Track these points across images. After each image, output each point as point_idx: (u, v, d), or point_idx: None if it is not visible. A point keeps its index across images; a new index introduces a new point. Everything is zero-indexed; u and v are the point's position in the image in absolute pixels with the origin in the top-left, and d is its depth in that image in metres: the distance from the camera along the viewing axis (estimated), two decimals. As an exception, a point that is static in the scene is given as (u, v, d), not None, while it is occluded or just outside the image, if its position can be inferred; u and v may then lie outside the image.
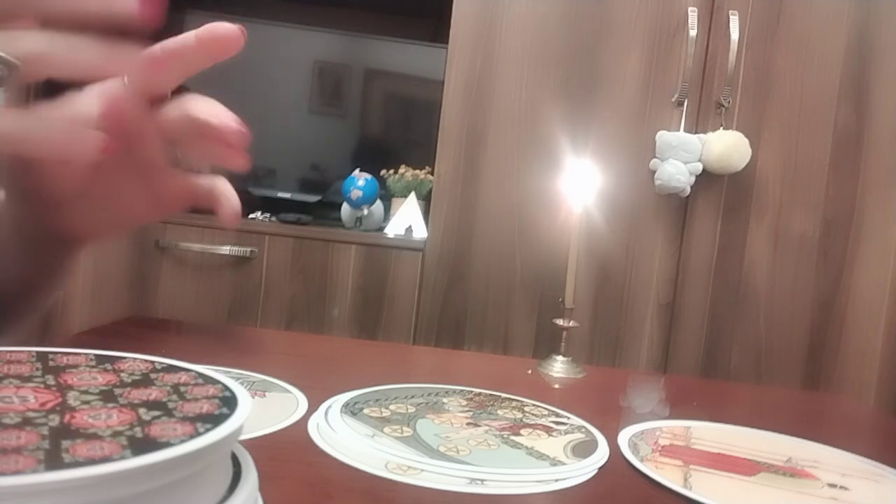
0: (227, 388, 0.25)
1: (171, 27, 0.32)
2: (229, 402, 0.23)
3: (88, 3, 0.33)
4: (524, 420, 0.45)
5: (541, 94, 1.25)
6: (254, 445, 0.26)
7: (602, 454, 0.40)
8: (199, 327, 0.75)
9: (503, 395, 0.51)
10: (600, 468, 0.38)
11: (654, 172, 1.23)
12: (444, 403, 0.47)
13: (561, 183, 1.20)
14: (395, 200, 1.48)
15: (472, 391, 0.51)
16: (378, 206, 1.46)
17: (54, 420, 0.20)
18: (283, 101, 1.66)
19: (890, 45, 1.23)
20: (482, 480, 0.35)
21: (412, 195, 1.44)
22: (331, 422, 0.41)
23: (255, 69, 1.65)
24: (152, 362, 0.27)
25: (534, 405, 0.49)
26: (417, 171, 1.48)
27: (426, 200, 1.40)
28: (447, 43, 1.26)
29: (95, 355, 0.28)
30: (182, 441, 0.19)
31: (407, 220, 1.41)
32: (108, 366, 0.26)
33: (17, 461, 0.17)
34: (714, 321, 1.27)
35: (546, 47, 1.25)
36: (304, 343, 0.75)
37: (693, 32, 1.20)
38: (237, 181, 0.39)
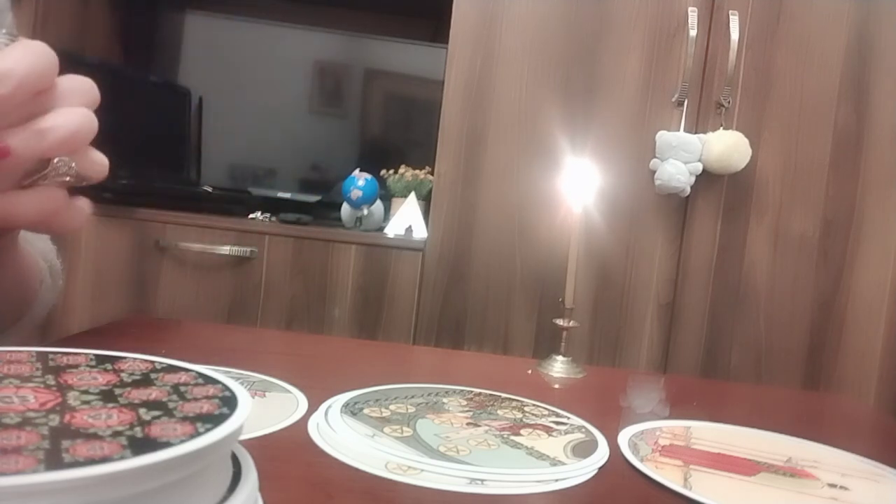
0: (227, 388, 0.25)
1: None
2: (229, 402, 0.23)
3: None
4: (524, 420, 0.45)
5: (541, 94, 1.25)
6: (254, 445, 0.26)
7: (602, 454, 0.40)
8: (199, 327, 0.75)
9: (503, 395, 0.51)
10: (600, 468, 0.38)
11: (654, 172, 1.23)
12: (444, 403, 0.47)
13: (561, 183, 1.20)
14: (395, 200, 1.48)
15: (472, 391, 0.51)
16: (378, 206, 1.46)
17: (54, 420, 0.20)
18: (283, 101, 1.66)
19: (890, 45, 1.23)
20: (482, 480, 0.35)
21: (412, 195, 1.44)
22: (331, 422, 0.41)
23: (255, 69, 1.65)
24: (152, 362, 0.27)
25: (534, 405, 0.49)
26: (417, 171, 1.48)
27: (426, 200, 1.40)
28: (447, 43, 1.26)
29: (95, 355, 0.28)
30: (182, 441, 0.19)
31: (407, 220, 1.41)
32: (108, 366, 0.26)
33: (17, 461, 0.17)
34: (714, 321, 1.27)
35: (546, 47, 1.25)
36: (304, 343, 0.75)
37: (693, 32, 1.20)
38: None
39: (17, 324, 0.55)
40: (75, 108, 0.34)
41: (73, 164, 0.35)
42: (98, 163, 0.36)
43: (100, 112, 0.36)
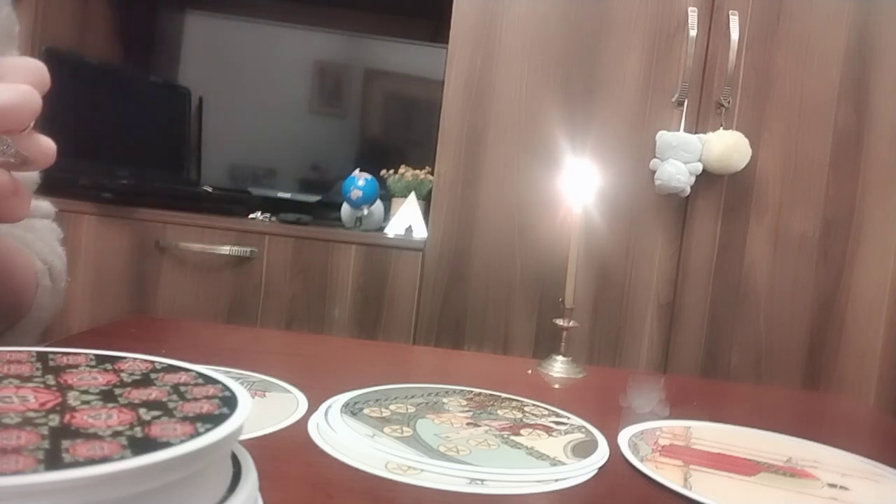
0: (227, 388, 0.25)
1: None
2: (229, 402, 0.23)
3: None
4: (524, 420, 0.45)
5: (541, 94, 1.25)
6: (254, 445, 0.26)
7: (602, 454, 0.40)
8: (199, 327, 0.75)
9: (503, 395, 0.51)
10: (600, 468, 0.38)
11: (654, 172, 1.23)
12: (444, 403, 0.47)
13: (561, 183, 1.20)
14: (395, 200, 1.48)
15: (472, 391, 0.51)
16: (378, 206, 1.46)
17: (54, 420, 0.20)
18: (283, 101, 1.66)
19: (890, 45, 1.23)
20: (482, 480, 0.35)
21: (412, 195, 1.44)
22: (331, 422, 0.41)
23: (255, 69, 1.65)
24: (152, 362, 0.27)
25: (534, 405, 0.49)
26: (417, 171, 1.48)
27: (426, 200, 1.40)
28: (447, 43, 1.26)
29: (95, 355, 0.28)
30: (182, 441, 0.19)
31: (407, 220, 1.41)
32: (108, 366, 0.26)
33: (17, 461, 0.17)
34: (714, 321, 1.27)
35: (546, 47, 1.25)
36: (304, 343, 0.75)
37: (693, 32, 1.20)
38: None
39: (14, 328, 0.54)
40: (15, 83, 0.31)
41: (11, 143, 0.32)
42: (44, 146, 0.33)
43: (48, 98, 0.33)
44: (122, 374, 0.25)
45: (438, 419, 0.43)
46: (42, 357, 0.27)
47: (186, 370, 0.27)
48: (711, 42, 1.24)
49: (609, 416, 0.49)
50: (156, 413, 0.21)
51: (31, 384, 0.23)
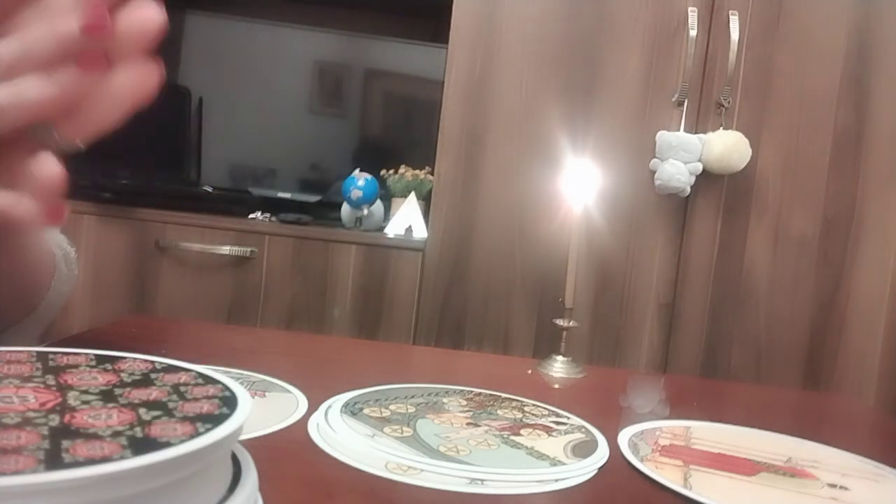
0: (227, 388, 0.25)
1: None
2: (229, 402, 0.23)
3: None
4: (524, 420, 0.45)
5: (541, 94, 1.25)
6: (254, 445, 0.26)
7: (602, 454, 0.40)
8: (199, 327, 0.75)
9: (503, 395, 0.51)
10: (600, 468, 0.38)
11: (654, 172, 1.23)
12: (444, 403, 0.47)
13: (561, 183, 1.20)
14: (395, 200, 1.48)
15: (472, 391, 0.51)
16: (378, 206, 1.46)
17: (54, 420, 0.20)
18: (283, 101, 1.66)
19: (890, 45, 1.23)
20: (482, 480, 0.35)
21: (412, 195, 1.44)
22: (331, 422, 0.41)
23: (255, 69, 1.65)
24: (152, 362, 0.27)
25: (534, 405, 0.49)
26: (417, 171, 1.48)
27: (426, 200, 1.40)
28: (447, 43, 1.26)
29: (95, 355, 0.28)
30: (182, 441, 0.19)
31: (407, 220, 1.41)
32: (108, 366, 0.26)
33: (17, 461, 0.17)
34: (714, 321, 1.27)
35: (546, 47, 1.25)
36: (304, 343, 0.75)
37: (693, 32, 1.20)
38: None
39: (31, 315, 0.54)
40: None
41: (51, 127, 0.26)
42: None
43: None
44: (122, 374, 0.25)
45: (438, 419, 0.43)
46: (42, 357, 0.27)
47: (186, 370, 0.27)
48: (711, 42, 1.24)
49: (609, 416, 0.49)
50: (156, 413, 0.21)
51: (31, 384, 0.23)
